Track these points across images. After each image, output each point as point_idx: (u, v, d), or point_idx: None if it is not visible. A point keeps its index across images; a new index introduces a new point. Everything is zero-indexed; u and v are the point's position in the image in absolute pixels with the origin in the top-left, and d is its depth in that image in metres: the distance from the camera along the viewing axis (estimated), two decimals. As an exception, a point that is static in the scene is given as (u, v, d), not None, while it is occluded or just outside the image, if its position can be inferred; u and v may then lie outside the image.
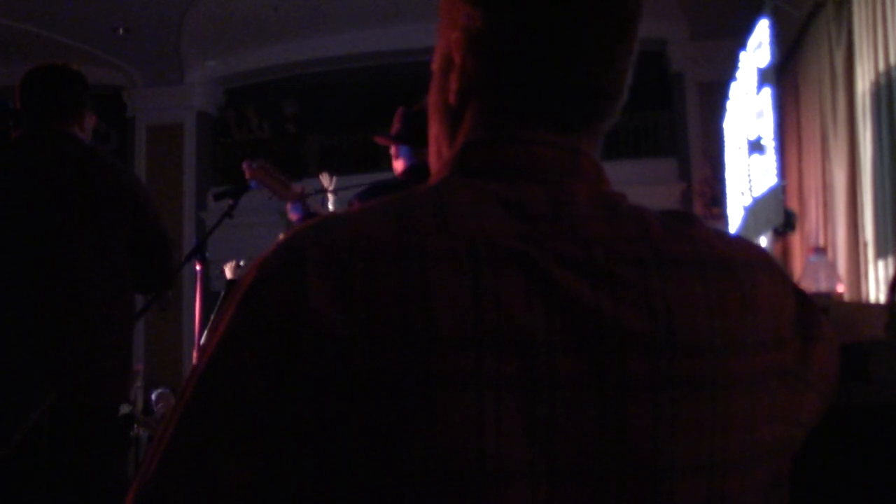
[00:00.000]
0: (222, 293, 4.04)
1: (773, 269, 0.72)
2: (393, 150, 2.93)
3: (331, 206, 3.54)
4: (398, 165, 2.91)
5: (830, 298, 2.97)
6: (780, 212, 5.26)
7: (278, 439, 0.62)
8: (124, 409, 6.04)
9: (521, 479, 0.60)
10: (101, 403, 2.26)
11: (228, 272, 4.11)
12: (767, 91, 5.51)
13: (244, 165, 2.98)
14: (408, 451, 0.59)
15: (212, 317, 3.51)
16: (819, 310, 0.75)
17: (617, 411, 0.62)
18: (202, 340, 2.97)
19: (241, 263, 3.96)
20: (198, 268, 3.20)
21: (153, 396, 7.56)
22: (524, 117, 0.72)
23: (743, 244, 0.73)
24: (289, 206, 3.00)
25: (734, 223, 7.15)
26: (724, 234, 0.72)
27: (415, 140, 2.86)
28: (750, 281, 0.69)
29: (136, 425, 5.97)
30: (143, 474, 0.65)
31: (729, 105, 7.31)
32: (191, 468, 0.63)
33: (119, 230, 2.32)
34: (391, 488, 0.60)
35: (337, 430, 0.60)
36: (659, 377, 0.63)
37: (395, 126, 2.92)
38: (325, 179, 3.80)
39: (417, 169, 2.83)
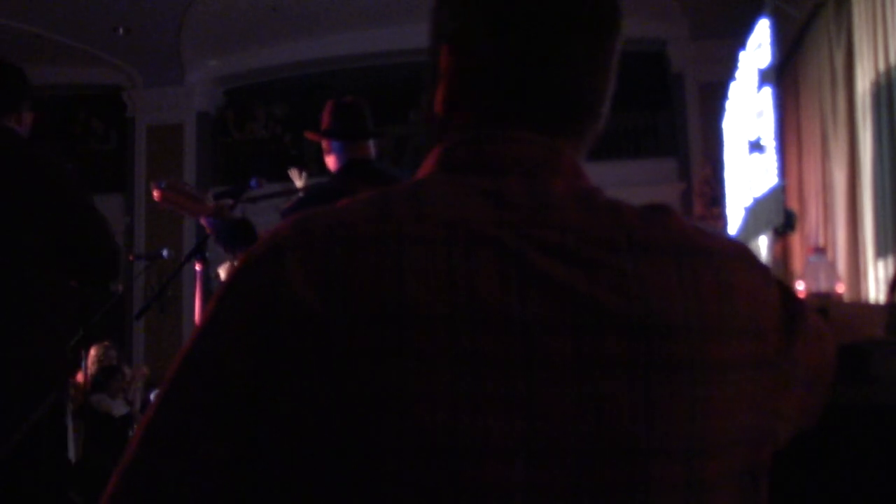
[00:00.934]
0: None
1: (751, 261, 0.73)
2: (325, 145, 2.85)
3: None
4: (330, 162, 2.83)
5: (830, 298, 2.97)
6: (780, 212, 5.26)
7: (258, 416, 0.63)
8: (122, 409, 6.04)
9: (497, 456, 0.61)
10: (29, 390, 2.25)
11: (223, 273, 4.09)
12: (767, 91, 5.51)
13: (152, 186, 2.73)
14: (383, 427, 0.61)
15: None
16: (804, 304, 0.76)
17: (594, 390, 0.63)
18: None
19: (236, 264, 3.92)
20: (198, 268, 3.20)
21: (152, 397, 7.55)
22: (505, 121, 0.74)
23: (721, 237, 0.74)
24: (203, 220, 2.78)
25: (734, 223, 7.15)
26: (702, 228, 0.74)
27: (346, 134, 2.79)
28: (726, 269, 0.70)
29: (135, 426, 5.97)
30: (127, 451, 0.66)
31: (729, 105, 7.31)
32: (172, 444, 0.64)
33: (47, 223, 2.31)
34: (368, 463, 0.61)
35: (314, 407, 0.62)
36: (635, 357, 0.64)
37: (326, 121, 2.83)
38: (296, 176, 3.60)
39: (352, 166, 2.76)
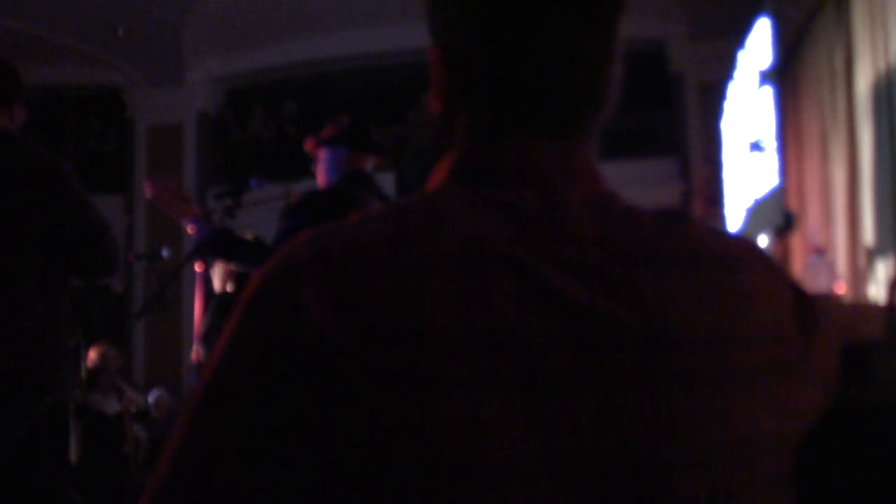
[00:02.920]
0: (214, 304, 3.95)
1: (768, 264, 0.72)
2: (325, 155, 2.86)
3: None
4: (321, 173, 2.85)
5: (830, 299, 2.97)
6: (779, 213, 5.26)
7: (282, 443, 0.63)
8: (115, 407, 6.03)
9: (519, 477, 0.60)
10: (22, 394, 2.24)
11: (217, 282, 4.03)
12: (768, 91, 5.51)
13: (146, 185, 2.74)
14: (404, 451, 0.60)
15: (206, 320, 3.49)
16: (817, 304, 0.75)
17: (614, 407, 0.62)
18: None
19: (233, 268, 3.88)
20: (198, 268, 3.20)
21: (150, 398, 7.50)
22: (513, 125, 0.72)
23: (737, 241, 0.73)
24: (188, 224, 2.76)
25: (734, 224, 7.15)
26: (717, 231, 0.73)
27: (358, 143, 2.84)
28: (745, 276, 0.69)
29: (135, 425, 5.97)
30: (155, 478, 0.66)
31: (729, 105, 7.31)
32: (200, 473, 0.64)
33: (45, 221, 2.30)
34: (390, 487, 0.61)
35: (337, 433, 0.62)
36: (655, 372, 0.63)
37: (337, 130, 2.89)
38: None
39: (356, 175, 2.79)
